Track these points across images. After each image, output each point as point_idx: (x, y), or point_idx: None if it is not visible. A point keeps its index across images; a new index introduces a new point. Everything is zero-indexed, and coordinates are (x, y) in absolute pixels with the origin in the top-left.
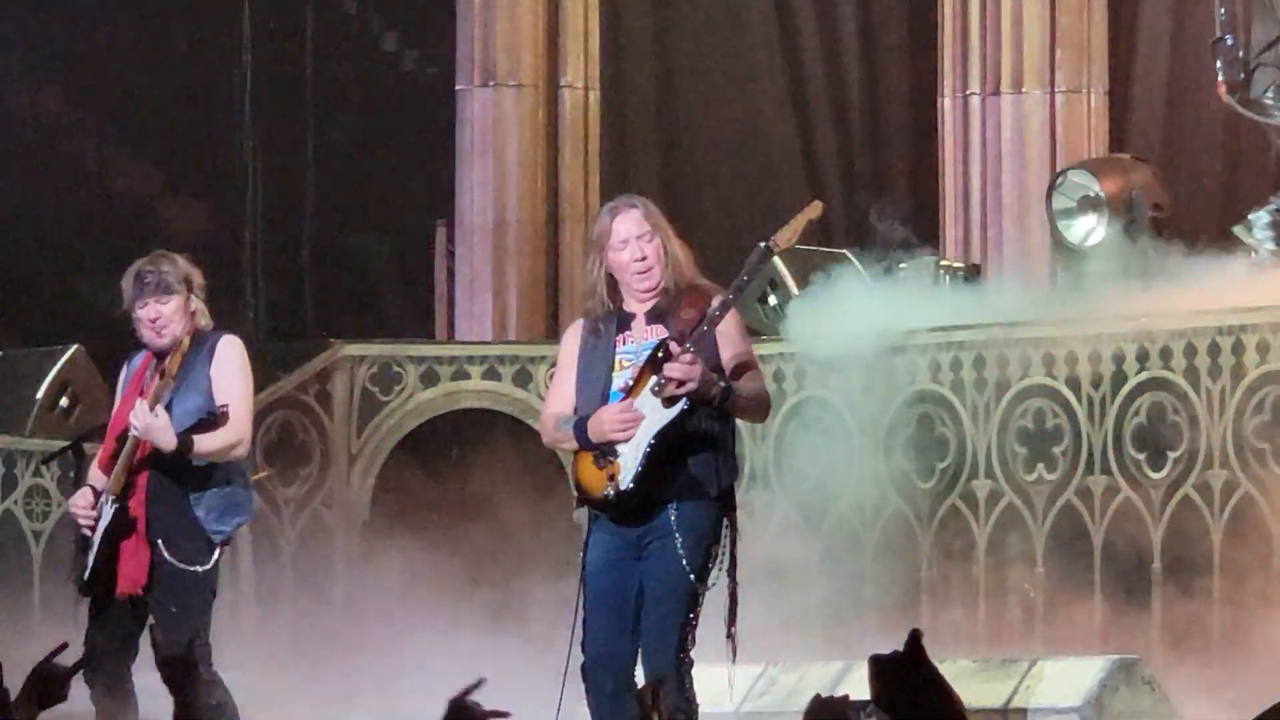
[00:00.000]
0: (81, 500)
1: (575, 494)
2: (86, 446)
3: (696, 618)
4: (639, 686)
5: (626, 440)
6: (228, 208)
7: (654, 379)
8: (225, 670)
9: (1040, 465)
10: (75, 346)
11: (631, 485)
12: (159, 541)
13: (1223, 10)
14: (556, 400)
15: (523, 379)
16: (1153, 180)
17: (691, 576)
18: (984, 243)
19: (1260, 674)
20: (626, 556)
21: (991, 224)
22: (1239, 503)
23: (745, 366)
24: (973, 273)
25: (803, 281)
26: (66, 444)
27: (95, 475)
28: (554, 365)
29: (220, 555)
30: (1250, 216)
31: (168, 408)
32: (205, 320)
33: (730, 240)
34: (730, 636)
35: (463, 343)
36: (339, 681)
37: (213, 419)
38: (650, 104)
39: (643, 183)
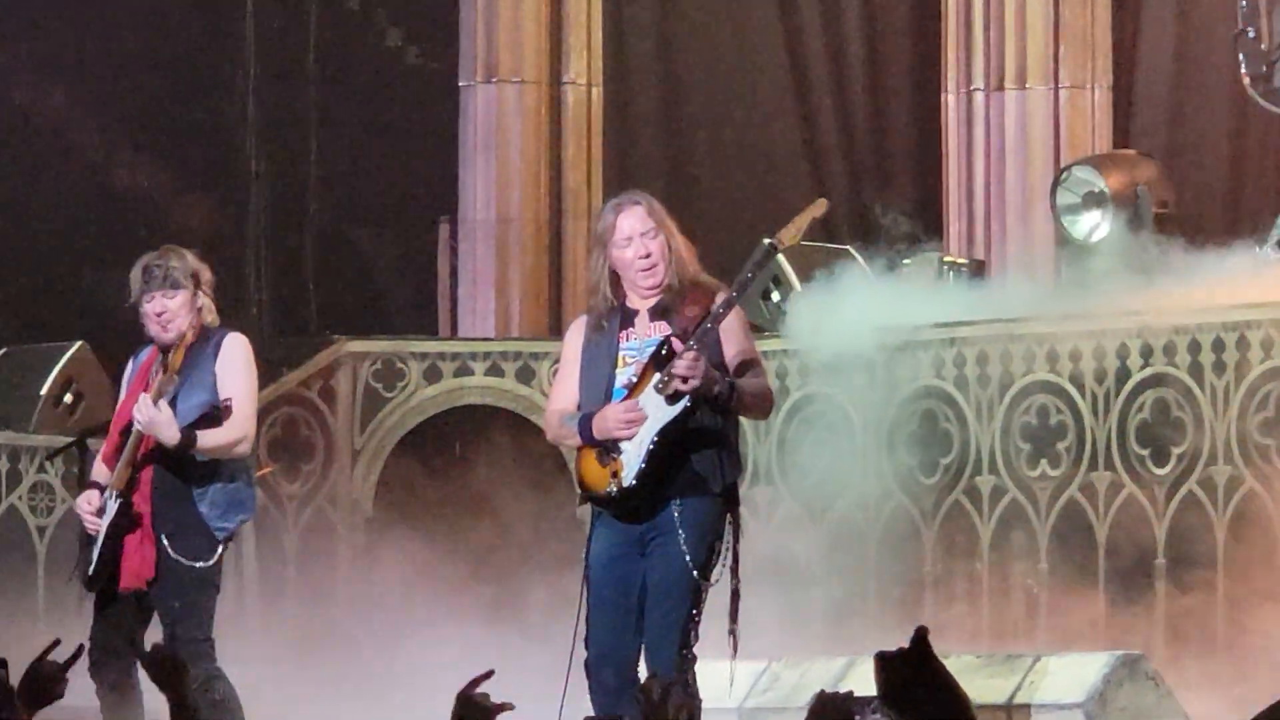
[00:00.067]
0: (85, 503)
1: (578, 490)
2: (90, 442)
3: (700, 614)
4: (642, 681)
5: (630, 438)
6: (232, 204)
7: (657, 376)
8: (229, 665)
9: (1044, 461)
10: (79, 342)
11: (634, 482)
12: (163, 537)
13: (1244, 3)
14: (560, 397)
15: (526, 375)
16: (1157, 176)
17: (695, 573)
18: (988, 239)
19: (1264, 669)
20: (630, 553)
21: (995, 220)
22: (1242, 499)
23: (748, 363)
24: (976, 269)
25: (806, 278)
26: (71, 440)
27: (99, 470)
28: (557, 362)
29: (224, 551)
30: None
31: (173, 404)
32: (212, 317)
33: (734, 237)
34: (732, 633)
35: (466, 339)
36: (342, 676)
37: (216, 413)
38: (653, 100)
39: (646, 179)
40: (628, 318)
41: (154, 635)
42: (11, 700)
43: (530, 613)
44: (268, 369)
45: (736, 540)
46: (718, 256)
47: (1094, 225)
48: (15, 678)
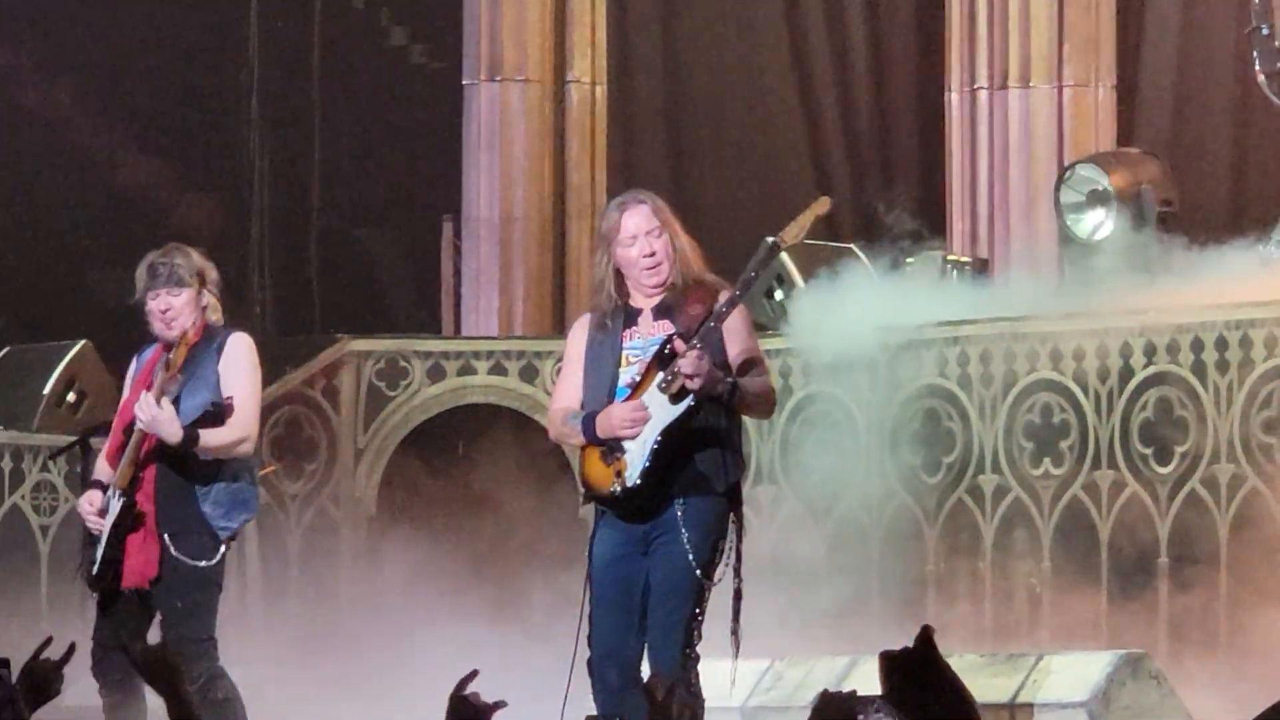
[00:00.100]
0: (88, 504)
1: (582, 490)
2: (94, 441)
3: (703, 613)
4: (647, 680)
5: (634, 437)
6: (235, 202)
7: (660, 375)
8: (231, 665)
9: (1047, 460)
10: (83, 341)
11: (638, 481)
12: (166, 536)
13: (1257, 0)
14: (564, 395)
15: (529, 374)
16: (1161, 174)
17: (698, 572)
18: (991, 237)
19: (1267, 668)
20: (633, 552)
21: (999, 219)
22: (1245, 497)
23: (752, 362)
24: (980, 267)
25: (809, 276)
26: (74, 439)
27: (102, 469)
28: (561, 360)
29: (226, 550)
30: None
31: (176, 402)
32: (217, 316)
33: (737, 235)
34: (734, 632)
35: (469, 338)
36: (345, 675)
37: (218, 410)
38: (657, 99)
39: (650, 178)
40: (631, 316)
41: (156, 634)
42: (15, 700)
43: (533, 612)
44: (271, 367)
45: (740, 539)
46: (721, 255)
47: (1097, 224)
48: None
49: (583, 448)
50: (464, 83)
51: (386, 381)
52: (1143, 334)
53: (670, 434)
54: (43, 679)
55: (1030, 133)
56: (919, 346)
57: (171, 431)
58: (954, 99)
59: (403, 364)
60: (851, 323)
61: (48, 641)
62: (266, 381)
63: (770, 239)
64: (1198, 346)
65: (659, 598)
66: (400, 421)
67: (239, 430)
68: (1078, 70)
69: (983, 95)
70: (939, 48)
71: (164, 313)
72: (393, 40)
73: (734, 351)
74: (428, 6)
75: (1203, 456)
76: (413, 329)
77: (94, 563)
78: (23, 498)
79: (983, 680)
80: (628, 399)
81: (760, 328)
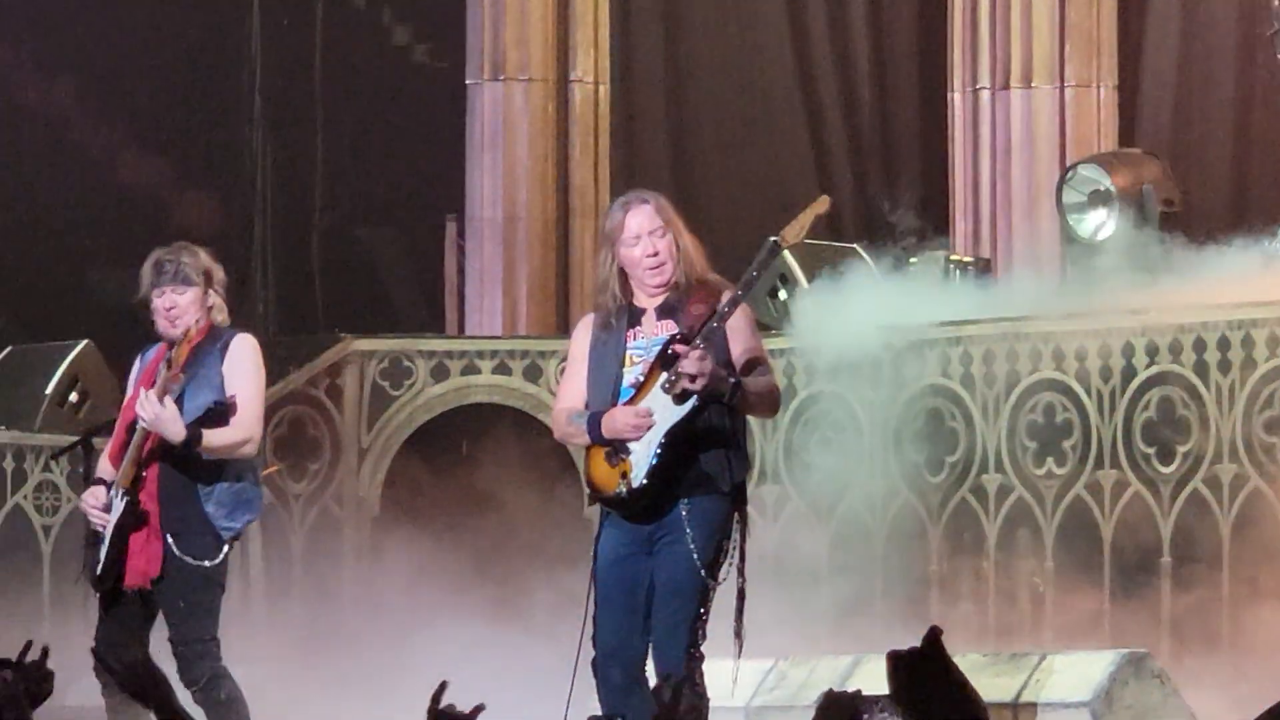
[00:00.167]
0: (92, 499)
1: (587, 490)
2: (96, 441)
3: (708, 613)
4: (656, 682)
5: (639, 439)
6: (238, 202)
7: (664, 376)
8: (234, 664)
9: (1050, 460)
10: (85, 341)
11: (644, 482)
12: (169, 536)
13: (1277, 2)
14: (568, 395)
15: (533, 374)
16: (1163, 174)
17: (703, 572)
18: (994, 237)
19: (1269, 668)
20: (638, 551)
21: (1001, 219)
22: (1248, 497)
23: (755, 362)
24: (982, 267)
25: (813, 276)
26: (76, 439)
27: (105, 468)
28: (564, 360)
29: (229, 551)
30: None
31: (179, 402)
32: (223, 317)
33: (740, 235)
34: (737, 632)
35: (473, 337)
36: (347, 675)
37: (221, 409)
38: (660, 98)
39: (653, 177)
40: (635, 316)
41: (159, 633)
42: (19, 700)
43: (536, 612)
44: (274, 367)
45: (744, 539)
46: (724, 255)
47: (1099, 224)
48: None
49: (588, 448)
50: (467, 82)
51: (390, 381)
52: (1145, 334)
53: (675, 435)
54: (34, 682)
55: (1032, 133)
56: (922, 346)
57: (174, 431)
58: (956, 99)
59: (406, 363)
60: (855, 322)
61: (27, 646)
62: (269, 381)
63: (772, 238)
64: (1200, 346)
65: (664, 597)
66: (404, 421)
67: (243, 431)
68: (1080, 70)
69: (985, 95)
70: (941, 48)
71: (168, 311)
72: (395, 39)
73: (737, 351)
74: (430, 5)
75: (1205, 456)
76: (416, 328)
77: (98, 563)
78: (25, 498)
79: (986, 680)
80: (631, 399)
81: (764, 327)
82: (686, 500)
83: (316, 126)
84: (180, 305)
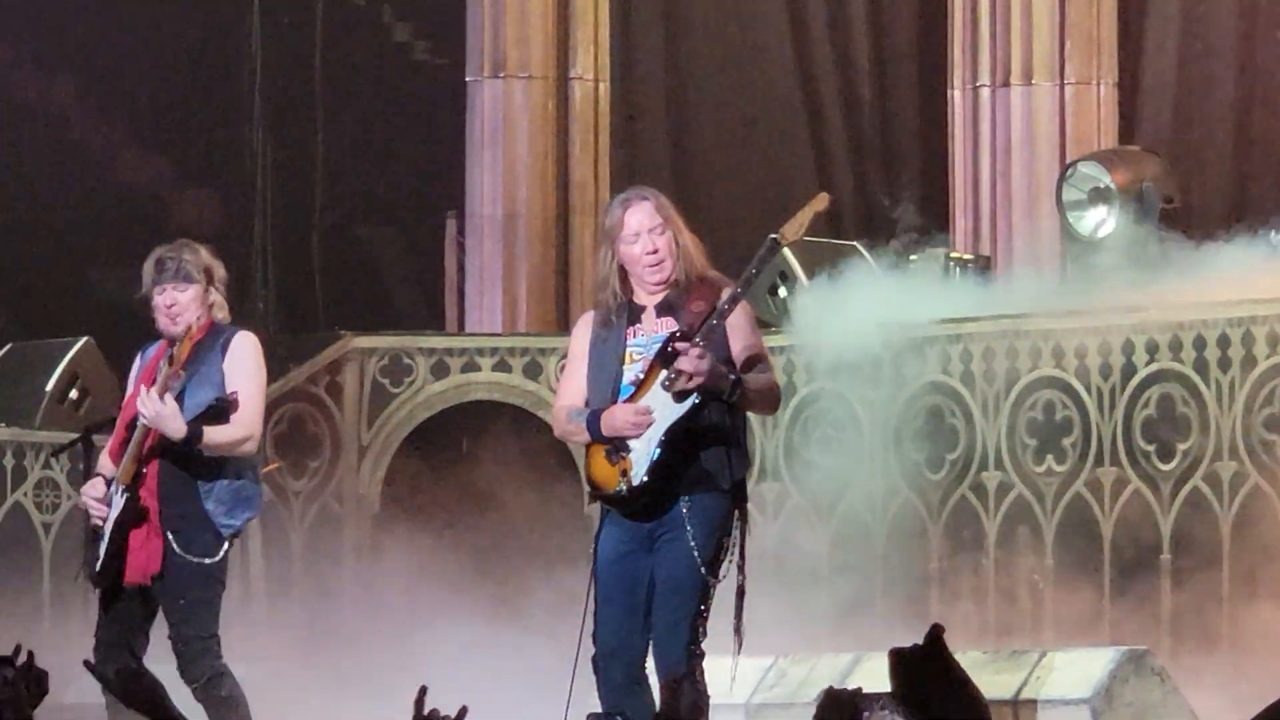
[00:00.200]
0: (93, 490)
1: (587, 489)
2: (96, 438)
3: (708, 610)
4: (664, 683)
5: (639, 436)
6: (238, 199)
7: (664, 373)
8: (234, 662)
9: (1050, 457)
10: (85, 338)
11: (644, 480)
12: (169, 533)
13: None
14: (568, 393)
15: (533, 371)
16: (1162, 172)
17: (703, 569)
18: (994, 235)
19: (1268, 665)
20: (638, 549)
21: (1001, 216)
22: (1248, 494)
23: (755, 359)
24: (982, 265)
25: (813, 274)
26: (76, 436)
27: (105, 464)
28: (564, 357)
29: (229, 548)
30: None
31: (180, 399)
32: (224, 314)
33: (740, 232)
34: (737, 630)
35: (473, 335)
36: (348, 672)
37: (222, 405)
38: (660, 95)
39: (653, 174)
40: (635, 313)
41: (159, 631)
42: (19, 698)
43: (536, 609)
44: (274, 365)
45: (744, 537)
46: (724, 252)
47: (1099, 221)
48: None
49: (588, 446)
50: (467, 79)
51: (390, 378)
52: (1145, 331)
53: (675, 432)
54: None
55: (1032, 130)
56: (922, 344)
57: (175, 427)
58: (956, 96)
59: (406, 361)
60: (855, 320)
61: (17, 650)
62: (270, 379)
63: (771, 236)
64: (1200, 344)
65: (664, 595)
66: (404, 418)
67: (243, 429)
68: (1080, 68)
69: (985, 93)
70: (941, 45)
71: (169, 308)
72: (395, 37)
73: (737, 348)
74: (430, 3)
75: (1205, 454)
76: (416, 326)
77: (96, 559)
78: (25, 495)
79: (986, 677)
80: (631, 397)
81: (764, 325)
82: (687, 498)
83: (317, 124)
84: (181, 303)
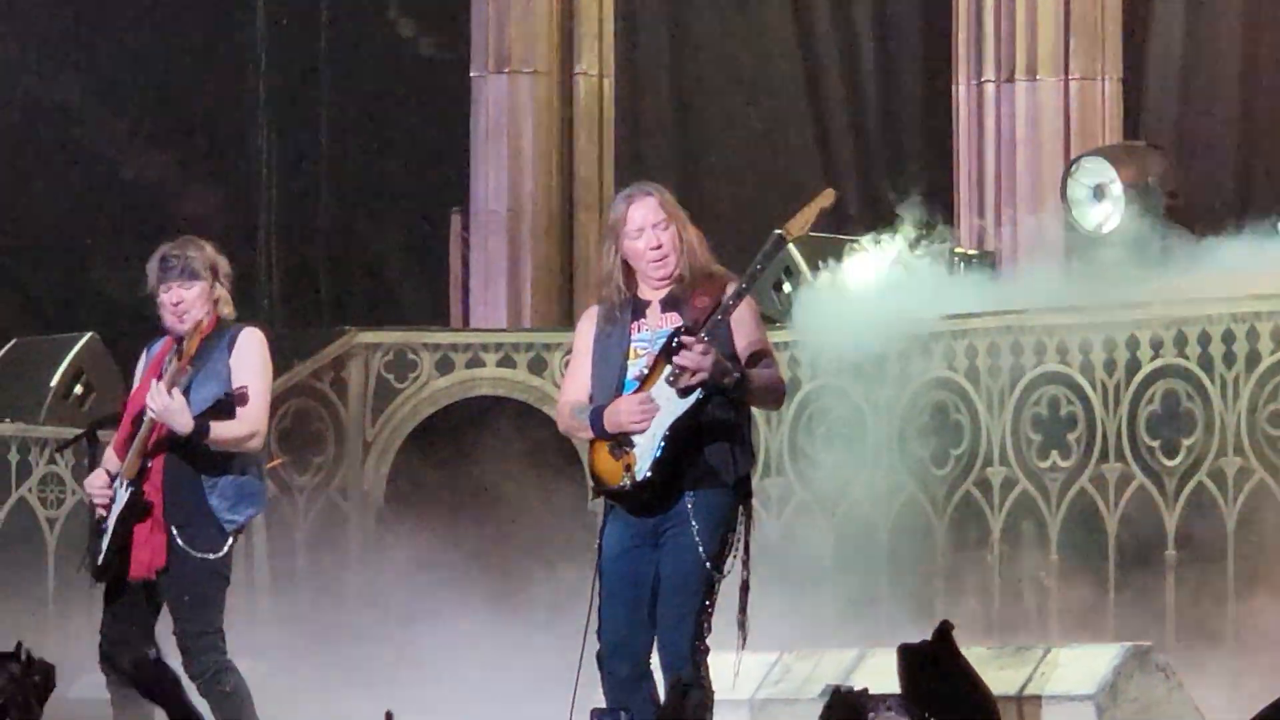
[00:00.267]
0: (97, 480)
1: (591, 484)
2: (101, 434)
3: (713, 606)
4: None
5: (643, 431)
6: (242, 195)
7: (668, 369)
8: (239, 657)
9: (1054, 452)
10: (89, 334)
11: (648, 475)
12: (173, 528)
13: None
14: (572, 388)
15: (538, 366)
16: (1167, 167)
17: (708, 565)
18: (998, 230)
19: (1273, 661)
20: (643, 544)
21: (1005, 212)
22: (1253, 490)
23: (760, 354)
24: (987, 260)
25: (817, 269)
26: (81, 431)
27: (110, 459)
28: (569, 353)
29: (233, 543)
30: None
31: (186, 393)
32: (229, 310)
33: (745, 227)
34: (741, 625)
35: (478, 330)
36: (352, 667)
37: (229, 400)
38: (665, 91)
39: (657, 169)
40: (639, 309)
41: (164, 626)
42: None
43: (539, 604)
44: (279, 360)
45: (748, 532)
46: (729, 248)
47: (1104, 216)
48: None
49: (592, 442)
50: (472, 75)
51: (395, 374)
52: (1149, 326)
53: (679, 427)
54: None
55: (1037, 125)
56: (926, 339)
57: (182, 422)
58: (961, 91)
59: (411, 356)
60: (859, 316)
61: (19, 647)
62: (274, 375)
63: (776, 231)
64: (1204, 339)
65: (669, 590)
66: (409, 414)
67: (249, 425)
68: (1084, 63)
69: (990, 88)
70: (946, 40)
71: (175, 305)
72: (400, 32)
73: (742, 344)
74: None
75: (1209, 450)
76: (421, 321)
77: (99, 552)
78: (30, 490)
79: (990, 673)
80: (635, 392)
81: (768, 320)
82: (691, 493)
83: (321, 119)
84: (187, 300)
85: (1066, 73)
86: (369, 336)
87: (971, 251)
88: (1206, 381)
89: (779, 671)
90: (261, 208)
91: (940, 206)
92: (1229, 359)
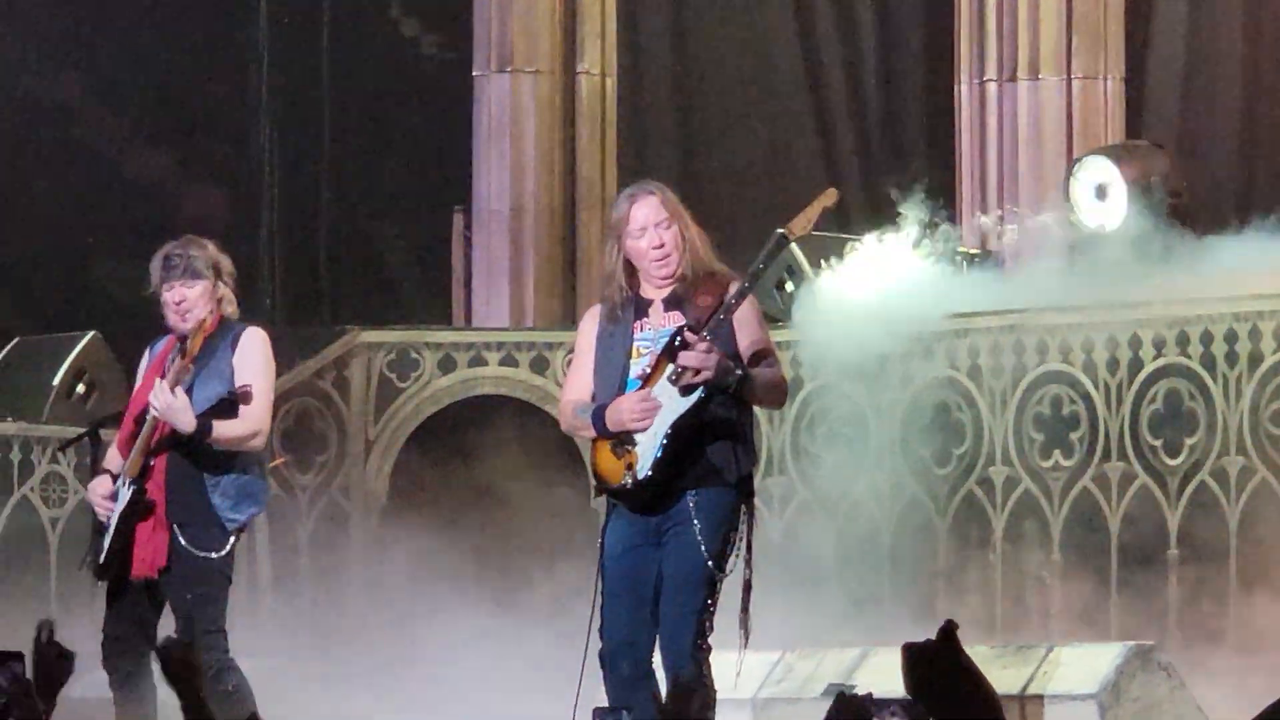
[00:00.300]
0: (100, 488)
1: (593, 482)
2: (103, 433)
3: (715, 605)
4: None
5: (645, 430)
6: (245, 194)
7: (671, 367)
8: (241, 656)
9: (1057, 452)
10: (92, 333)
11: (649, 474)
12: (175, 526)
13: None
14: (574, 387)
15: (540, 365)
16: (1169, 166)
17: (710, 564)
18: (1000, 229)
19: (1275, 660)
20: (645, 543)
21: (1008, 210)
22: (1255, 489)
23: (763, 353)
24: (989, 259)
25: (820, 268)
26: (83, 430)
27: (113, 458)
28: (571, 352)
29: (235, 542)
30: None
31: (189, 392)
32: (232, 308)
33: (747, 226)
34: (743, 624)
35: (480, 329)
36: (354, 666)
37: (232, 399)
38: (667, 90)
39: (659, 169)
40: (642, 308)
41: (166, 626)
42: (30, 695)
43: (541, 603)
44: (281, 359)
45: (750, 531)
46: (731, 247)
47: (1106, 216)
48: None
49: (594, 441)
50: (474, 74)
51: (397, 373)
52: (1151, 326)
53: (681, 426)
54: (52, 663)
55: (1039, 125)
56: (929, 339)
57: (185, 421)
58: (963, 91)
59: (413, 355)
60: (861, 315)
61: (40, 627)
62: (277, 373)
63: (779, 230)
64: (1207, 339)
65: (671, 589)
66: (411, 413)
67: (252, 424)
68: (1086, 62)
69: (992, 87)
70: (948, 40)
71: (178, 305)
72: (403, 31)
73: (744, 343)
74: None
75: (1212, 449)
76: (423, 320)
77: (101, 551)
78: (32, 489)
79: (993, 672)
80: (637, 391)
81: (771, 320)
82: (693, 492)
83: (324, 118)
84: (190, 299)
85: (1069, 72)
86: (371, 336)
87: (974, 251)
88: (1209, 381)
89: (781, 671)
90: (264, 207)
91: (942, 206)
92: (1231, 358)
